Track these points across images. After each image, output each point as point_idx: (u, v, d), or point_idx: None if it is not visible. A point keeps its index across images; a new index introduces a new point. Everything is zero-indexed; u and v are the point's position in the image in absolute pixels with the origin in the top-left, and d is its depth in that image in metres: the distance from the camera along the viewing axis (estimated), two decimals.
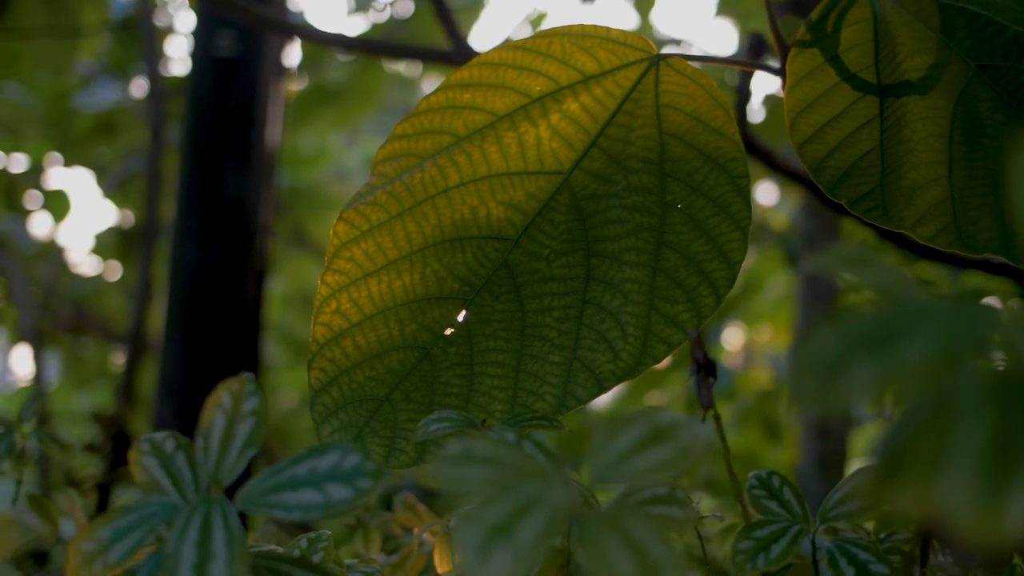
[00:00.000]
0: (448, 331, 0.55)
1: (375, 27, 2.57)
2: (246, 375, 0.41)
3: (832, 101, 0.56)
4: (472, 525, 0.30)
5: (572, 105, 0.57)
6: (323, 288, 0.55)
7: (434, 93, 0.58)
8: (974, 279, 1.39)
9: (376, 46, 1.20)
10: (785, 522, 0.47)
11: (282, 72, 1.51)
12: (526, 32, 2.85)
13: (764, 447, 2.29)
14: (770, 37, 0.61)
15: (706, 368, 0.45)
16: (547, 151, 0.56)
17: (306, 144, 2.70)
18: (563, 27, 0.58)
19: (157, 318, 2.07)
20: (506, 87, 0.57)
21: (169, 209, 1.98)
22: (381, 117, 3.19)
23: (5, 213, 2.24)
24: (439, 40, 2.41)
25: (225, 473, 0.39)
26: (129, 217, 2.41)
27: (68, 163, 2.34)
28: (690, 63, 0.57)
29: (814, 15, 0.58)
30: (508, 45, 0.58)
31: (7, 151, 2.29)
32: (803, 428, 1.83)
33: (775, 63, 0.63)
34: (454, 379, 0.54)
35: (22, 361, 3.59)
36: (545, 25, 2.78)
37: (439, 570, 0.61)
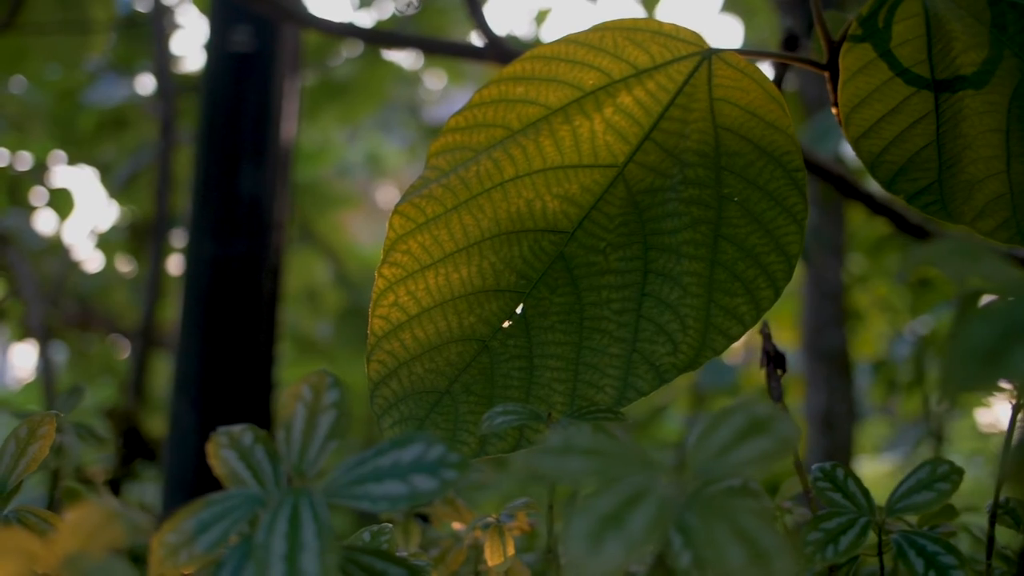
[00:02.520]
0: (506, 324, 0.55)
1: (379, 24, 2.56)
2: (324, 370, 0.41)
3: (886, 96, 0.56)
4: (583, 515, 0.30)
5: (625, 99, 0.57)
6: (380, 281, 0.55)
7: (487, 87, 0.58)
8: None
9: (406, 40, 1.20)
10: (852, 514, 0.47)
11: (297, 67, 1.51)
12: (530, 29, 2.85)
13: None
14: (816, 32, 0.61)
15: (775, 361, 0.45)
16: (601, 144, 0.56)
17: (309, 140, 2.69)
18: (614, 21, 0.58)
19: (165, 313, 2.06)
20: (559, 81, 0.57)
21: (176, 205, 1.98)
22: (382, 113, 3.19)
23: (11, 209, 2.24)
24: (444, 36, 2.41)
25: (308, 465, 0.39)
26: (137, 213, 2.41)
27: (72, 161, 2.33)
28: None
29: (864, 10, 0.58)
30: (560, 39, 0.58)
31: (12, 148, 2.28)
32: (809, 422, 1.83)
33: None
34: (513, 371, 0.54)
35: (25, 357, 3.58)
36: (548, 23, 2.78)
37: (490, 563, 0.61)
